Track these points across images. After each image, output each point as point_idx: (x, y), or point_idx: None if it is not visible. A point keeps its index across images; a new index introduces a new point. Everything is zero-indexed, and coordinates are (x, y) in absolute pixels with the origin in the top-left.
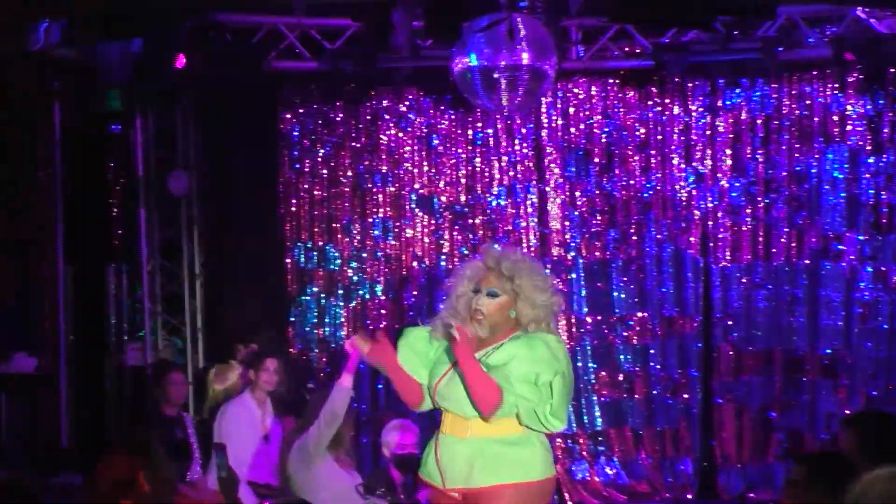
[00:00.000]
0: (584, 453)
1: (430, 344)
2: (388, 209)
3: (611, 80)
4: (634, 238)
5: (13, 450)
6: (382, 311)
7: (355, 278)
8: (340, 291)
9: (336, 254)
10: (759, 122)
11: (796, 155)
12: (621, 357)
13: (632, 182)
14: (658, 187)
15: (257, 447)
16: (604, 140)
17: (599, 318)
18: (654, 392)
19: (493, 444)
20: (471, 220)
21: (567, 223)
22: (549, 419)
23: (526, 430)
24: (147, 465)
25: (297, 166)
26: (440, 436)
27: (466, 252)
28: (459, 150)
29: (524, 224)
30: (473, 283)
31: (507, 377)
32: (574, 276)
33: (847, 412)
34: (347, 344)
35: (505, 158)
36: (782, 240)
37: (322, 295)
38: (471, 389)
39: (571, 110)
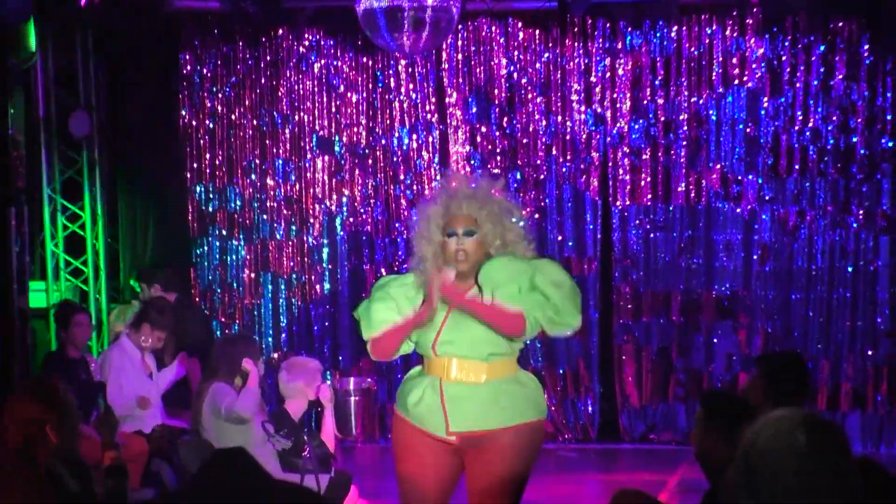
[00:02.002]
0: None
1: (417, 291)
2: (289, 151)
3: (513, 21)
4: (534, 179)
5: None
6: (283, 253)
7: (257, 219)
8: (242, 233)
9: (237, 195)
10: (659, 64)
11: (696, 97)
12: None
13: (533, 124)
14: (558, 129)
15: (143, 389)
16: (505, 82)
17: None
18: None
19: (510, 385)
20: (371, 162)
21: (468, 164)
22: (563, 316)
23: (524, 371)
24: (54, 416)
25: (199, 107)
26: (444, 383)
27: (369, 194)
28: (361, 92)
29: (426, 165)
30: (443, 226)
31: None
32: None
33: (746, 353)
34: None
35: (406, 100)
36: (682, 182)
37: (224, 236)
38: (495, 325)
39: (473, 51)
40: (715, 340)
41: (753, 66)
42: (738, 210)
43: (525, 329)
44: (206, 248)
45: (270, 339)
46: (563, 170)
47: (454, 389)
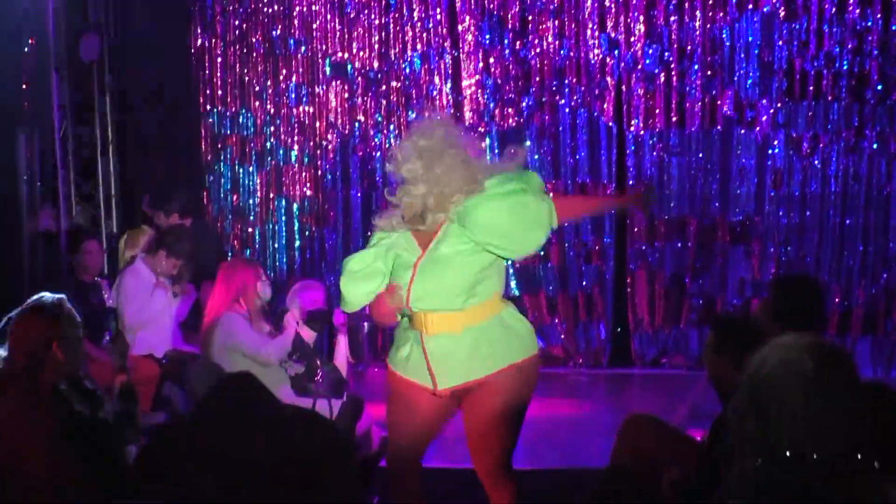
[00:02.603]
0: None
1: (384, 260)
2: (302, 75)
3: None
4: (548, 105)
5: None
6: (297, 178)
7: (269, 144)
8: (255, 157)
9: (250, 120)
10: None
11: (710, 22)
12: None
13: (546, 49)
14: (572, 54)
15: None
16: (518, 6)
17: None
18: (569, 258)
19: (491, 329)
20: (384, 87)
21: (481, 90)
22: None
23: (508, 305)
24: (60, 334)
25: (211, 31)
26: (425, 338)
27: (381, 119)
28: (373, 16)
29: (438, 90)
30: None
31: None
32: (488, 142)
33: (758, 278)
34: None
35: (419, 24)
36: (696, 107)
37: (237, 161)
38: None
39: None
40: (728, 265)
41: None
42: (752, 135)
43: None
44: (218, 172)
45: (284, 265)
46: (577, 95)
47: (435, 343)
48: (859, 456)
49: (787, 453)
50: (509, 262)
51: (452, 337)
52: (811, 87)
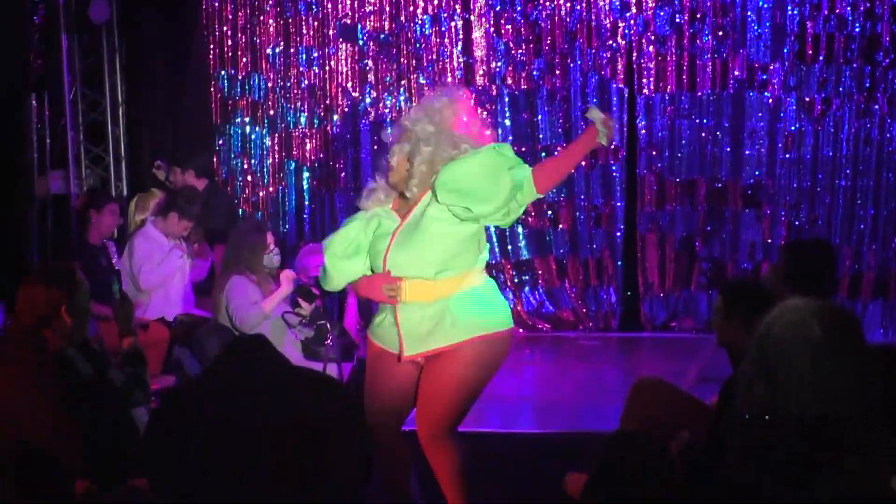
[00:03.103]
0: (509, 283)
1: (365, 233)
2: (312, 38)
3: None
4: (560, 68)
5: None
6: (307, 141)
7: (280, 108)
8: (265, 121)
9: (261, 83)
10: None
11: None
12: None
13: (557, 11)
14: (583, 16)
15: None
16: None
17: (524, 148)
18: (579, 222)
19: (461, 301)
20: (395, 50)
21: (492, 52)
22: (525, 195)
23: (485, 281)
24: (68, 297)
25: None
26: (398, 306)
27: (390, 81)
28: None
29: (449, 53)
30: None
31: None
32: (499, 106)
33: (769, 241)
34: (283, 275)
35: None
36: (707, 70)
37: (247, 124)
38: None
39: None
40: (739, 229)
41: None
42: (764, 98)
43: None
44: (228, 135)
45: (293, 227)
46: (589, 58)
47: (406, 311)
48: (867, 420)
49: (795, 417)
50: (494, 230)
51: (423, 306)
52: (823, 50)
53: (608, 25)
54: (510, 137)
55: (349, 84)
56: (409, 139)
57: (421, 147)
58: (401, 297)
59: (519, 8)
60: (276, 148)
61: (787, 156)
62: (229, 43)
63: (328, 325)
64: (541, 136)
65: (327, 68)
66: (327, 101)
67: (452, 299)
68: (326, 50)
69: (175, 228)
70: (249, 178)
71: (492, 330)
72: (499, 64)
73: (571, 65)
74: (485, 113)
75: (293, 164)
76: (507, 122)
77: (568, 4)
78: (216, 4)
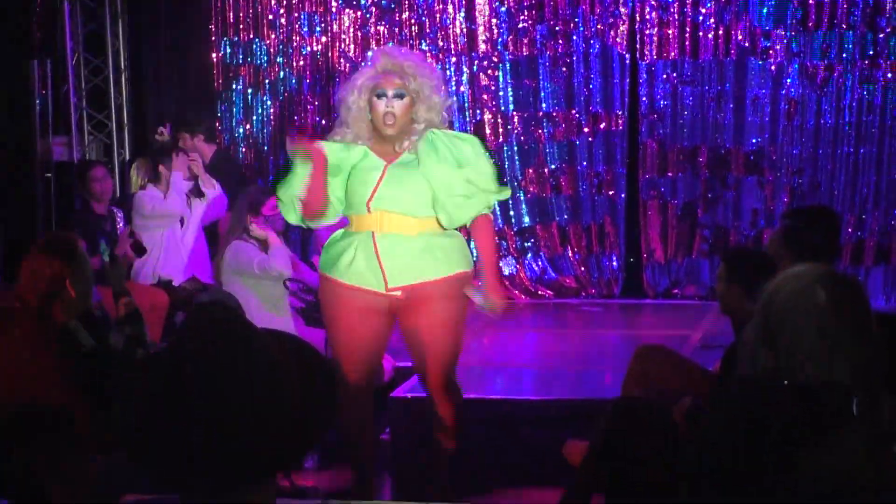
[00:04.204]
0: (512, 250)
1: (347, 152)
2: (315, 4)
3: None
4: (562, 34)
5: None
6: (309, 108)
7: (282, 74)
8: (267, 87)
9: (262, 49)
10: None
11: None
12: (548, 154)
13: None
14: None
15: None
16: None
17: (526, 115)
18: (581, 189)
19: (440, 238)
20: (398, 16)
21: (494, 19)
22: (495, 199)
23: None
24: (73, 273)
25: None
26: (377, 237)
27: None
28: None
29: (451, 19)
30: (371, 88)
31: (454, 190)
32: (501, 73)
33: (771, 208)
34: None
35: None
36: (710, 36)
37: (249, 90)
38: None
39: None
40: (741, 196)
41: None
42: (766, 65)
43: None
44: (230, 101)
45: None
46: (591, 24)
47: (387, 241)
48: (871, 385)
49: (799, 383)
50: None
51: (406, 237)
52: (826, 17)
53: None
54: (511, 105)
55: (351, 51)
56: (406, 90)
57: (421, 108)
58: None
59: None
60: (277, 114)
61: (790, 123)
62: (231, 9)
63: None
64: (543, 103)
65: (330, 34)
66: (329, 68)
67: (436, 235)
68: (328, 16)
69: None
70: (251, 144)
71: (466, 268)
72: (501, 30)
73: (574, 31)
74: (487, 79)
75: (294, 130)
76: (510, 90)
77: None
78: None
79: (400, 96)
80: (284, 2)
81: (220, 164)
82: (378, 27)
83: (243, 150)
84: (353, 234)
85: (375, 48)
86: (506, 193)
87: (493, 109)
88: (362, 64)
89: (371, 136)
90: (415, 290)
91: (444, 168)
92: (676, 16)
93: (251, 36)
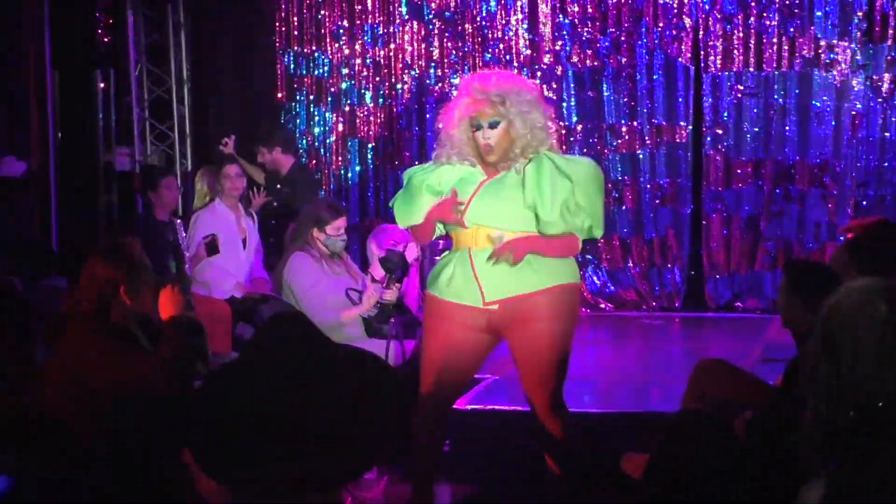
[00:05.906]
0: None
1: (452, 174)
2: (378, 16)
3: None
4: (626, 46)
5: (2, 254)
6: (371, 119)
7: (345, 86)
8: (330, 99)
9: (325, 60)
10: None
11: None
12: (611, 166)
13: None
14: None
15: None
16: None
17: (590, 126)
18: (644, 201)
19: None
20: (461, 28)
21: (558, 31)
22: (593, 231)
23: None
24: (127, 278)
25: None
26: (473, 252)
27: (456, 60)
28: None
29: (514, 31)
30: (468, 120)
31: (551, 210)
32: (564, 84)
33: (835, 222)
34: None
35: None
36: (774, 48)
37: (311, 102)
38: (557, 255)
39: None
40: (805, 209)
41: None
42: (831, 77)
43: (579, 247)
44: (293, 113)
45: (357, 206)
46: (655, 36)
47: (483, 256)
48: None
49: (859, 397)
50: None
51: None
52: (891, 29)
53: (674, 3)
54: (574, 117)
55: (414, 62)
56: (500, 115)
57: (522, 128)
58: (476, 243)
59: None
60: (340, 125)
61: (854, 135)
62: (295, 20)
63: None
64: (606, 115)
65: (392, 46)
66: (392, 79)
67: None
68: (392, 28)
69: (231, 181)
70: (313, 155)
71: (569, 280)
72: (564, 42)
73: (638, 43)
74: (550, 91)
75: (356, 142)
76: (573, 101)
77: None
78: None
79: (495, 125)
80: (347, 13)
81: (297, 174)
82: (442, 40)
83: (305, 159)
84: (453, 253)
85: (465, 75)
86: (599, 233)
87: (556, 121)
88: (454, 93)
89: (477, 155)
90: (513, 303)
91: (548, 180)
92: (741, 27)
93: (314, 47)
